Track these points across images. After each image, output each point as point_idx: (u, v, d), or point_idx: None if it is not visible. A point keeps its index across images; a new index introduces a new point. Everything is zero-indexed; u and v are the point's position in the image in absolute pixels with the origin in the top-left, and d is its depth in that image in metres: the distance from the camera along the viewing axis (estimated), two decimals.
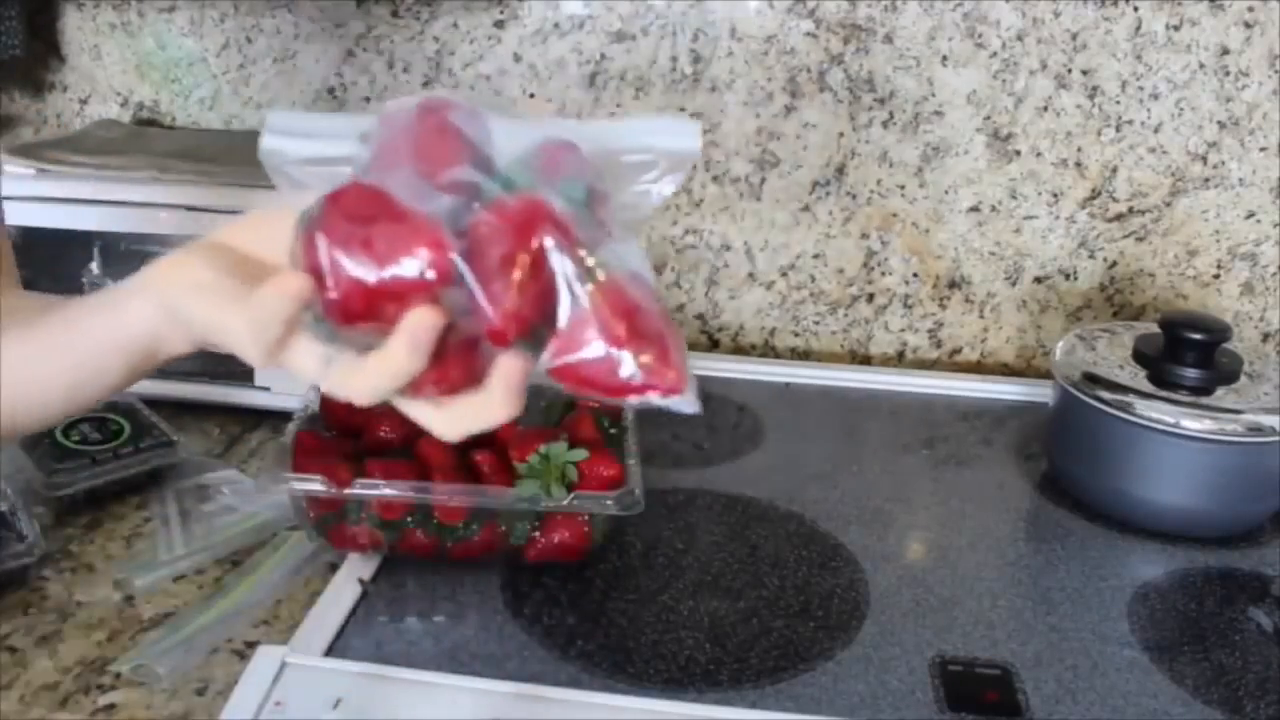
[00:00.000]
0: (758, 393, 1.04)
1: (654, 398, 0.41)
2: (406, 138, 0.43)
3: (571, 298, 0.41)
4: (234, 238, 0.49)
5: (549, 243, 0.40)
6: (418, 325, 0.40)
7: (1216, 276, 1.11)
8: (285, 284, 0.42)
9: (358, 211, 0.41)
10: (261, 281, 0.42)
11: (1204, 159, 1.07)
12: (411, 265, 0.40)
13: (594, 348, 0.41)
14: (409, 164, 0.42)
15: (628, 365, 0.41)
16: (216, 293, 0.46)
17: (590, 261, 0.41)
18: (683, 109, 1.10)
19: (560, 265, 0.40)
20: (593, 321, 0.40)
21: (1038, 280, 1.13)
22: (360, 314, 0.41)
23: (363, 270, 0.40)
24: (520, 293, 0.40)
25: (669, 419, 1.07)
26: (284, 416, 0.79)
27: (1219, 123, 1.06)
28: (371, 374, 0.42)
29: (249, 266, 0.47)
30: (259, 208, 0.50)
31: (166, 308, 0.47)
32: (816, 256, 1.14)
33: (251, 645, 0.64)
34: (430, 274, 0.40)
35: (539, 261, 0.40)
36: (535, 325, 0.41)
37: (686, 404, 0.42)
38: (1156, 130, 1.06)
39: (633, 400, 0.41)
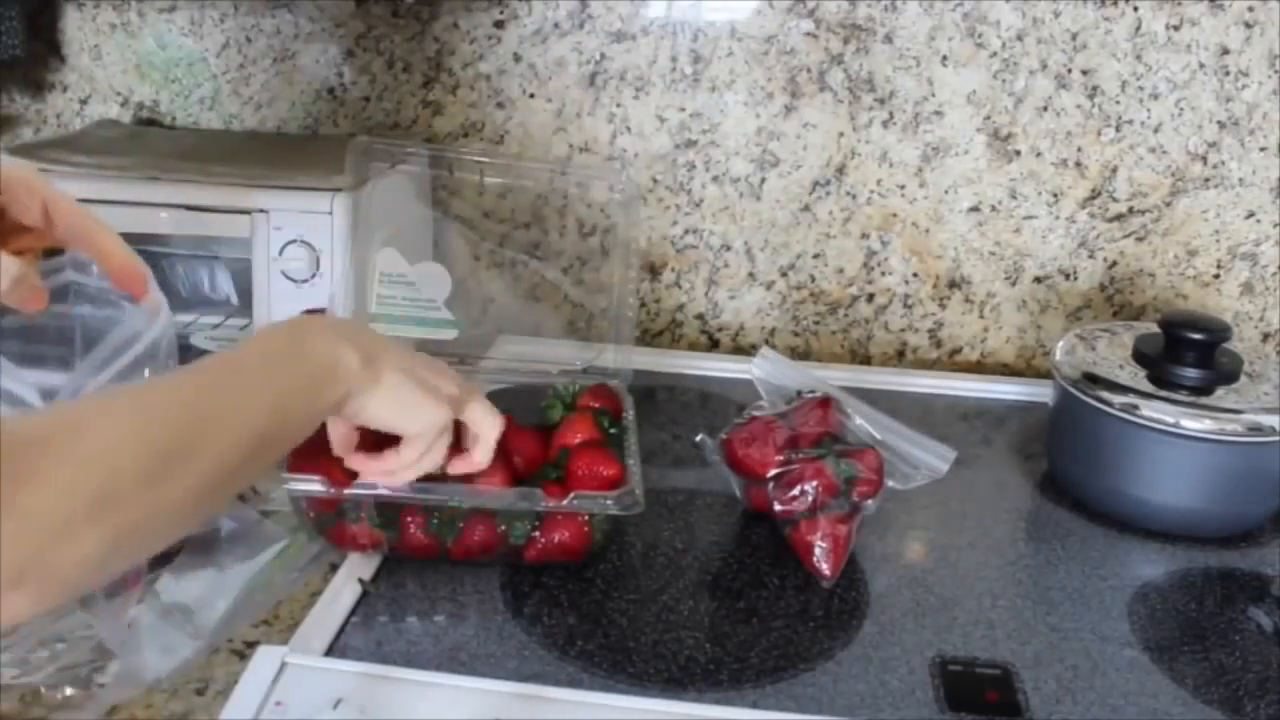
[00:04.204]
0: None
1: None
2: None
3: None
4: None
5: None
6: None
7: (1216, 276, 1.11)
8: None
9: None
10: None
11: (1204, 159, 1.07)
12: None
13: None
14: None
15: None
16: None
17: None
18: (683, 109, 1.10)
19: None
20: None
21: (1038, 280, 1.13)
22: None
23: None
24: None
25: (669, 419, 1.06)
26: None
27: (1219, 123, 1.06)
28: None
29: None
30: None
31: None
32: (816, 256, 1.14)
33: (251, 645, 0.64)
34: None
35: None
36: None
37: None
38: (1156, 130, 1.06)
39: None
